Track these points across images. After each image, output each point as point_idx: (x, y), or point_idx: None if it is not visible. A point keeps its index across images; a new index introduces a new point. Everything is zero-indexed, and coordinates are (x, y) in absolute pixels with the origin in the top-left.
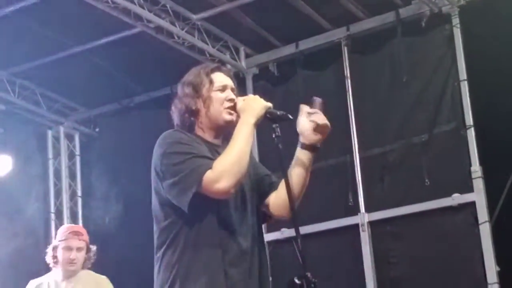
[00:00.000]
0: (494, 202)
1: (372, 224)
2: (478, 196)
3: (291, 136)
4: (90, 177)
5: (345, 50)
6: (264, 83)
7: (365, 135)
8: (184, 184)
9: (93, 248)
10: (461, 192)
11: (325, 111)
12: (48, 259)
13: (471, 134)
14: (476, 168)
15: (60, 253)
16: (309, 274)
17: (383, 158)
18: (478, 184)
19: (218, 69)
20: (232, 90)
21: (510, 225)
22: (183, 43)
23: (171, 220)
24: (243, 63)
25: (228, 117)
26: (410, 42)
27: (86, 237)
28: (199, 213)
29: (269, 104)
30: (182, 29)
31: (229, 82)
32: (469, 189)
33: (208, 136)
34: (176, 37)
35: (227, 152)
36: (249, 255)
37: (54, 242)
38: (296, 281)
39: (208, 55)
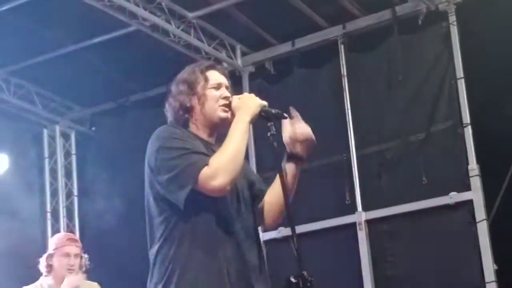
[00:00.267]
0: (492, 201)
1: (369, 222)
2: (475, 194)
3: None
4: (86, 176)
5: (341, 48)
6: (260, 81)
7: (362, 134)
8: (180, 180)
9: (85, 256)
10: (459, 191)
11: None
12: (42, 268)
13: (468, 132)
14: (473, 166)
15: (57, 261)
16: (305, 273)
17: (380, 156)
18: (476, 182)
19: (213, 67)
20: (227, 88)
21: (507, 223)
22: (179, 41)
23: (166, 215)
24: (239, 61)
25: (223, 114)
26: (407, 40)
27: (80, 244)
28: (194, 209)
29: (264, 103)
30: (178, 27)
31: (223, 80)
32: (467, 187)
33: (202, 134)
34: (171, 36)
35: (223, 149)
36: (245, 251)
37: (49, 251)
38: (293, 280)
39: (204, 54)
